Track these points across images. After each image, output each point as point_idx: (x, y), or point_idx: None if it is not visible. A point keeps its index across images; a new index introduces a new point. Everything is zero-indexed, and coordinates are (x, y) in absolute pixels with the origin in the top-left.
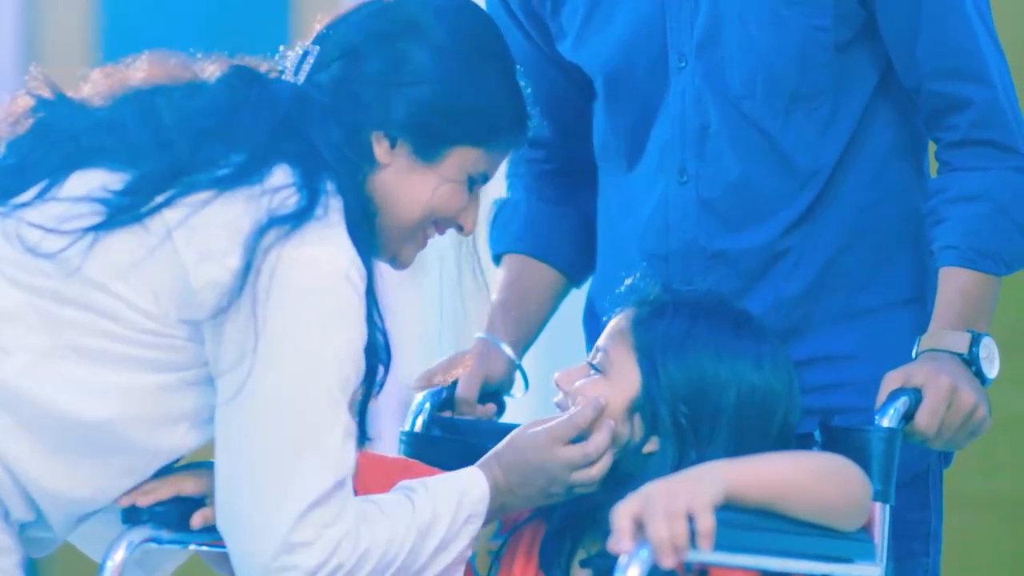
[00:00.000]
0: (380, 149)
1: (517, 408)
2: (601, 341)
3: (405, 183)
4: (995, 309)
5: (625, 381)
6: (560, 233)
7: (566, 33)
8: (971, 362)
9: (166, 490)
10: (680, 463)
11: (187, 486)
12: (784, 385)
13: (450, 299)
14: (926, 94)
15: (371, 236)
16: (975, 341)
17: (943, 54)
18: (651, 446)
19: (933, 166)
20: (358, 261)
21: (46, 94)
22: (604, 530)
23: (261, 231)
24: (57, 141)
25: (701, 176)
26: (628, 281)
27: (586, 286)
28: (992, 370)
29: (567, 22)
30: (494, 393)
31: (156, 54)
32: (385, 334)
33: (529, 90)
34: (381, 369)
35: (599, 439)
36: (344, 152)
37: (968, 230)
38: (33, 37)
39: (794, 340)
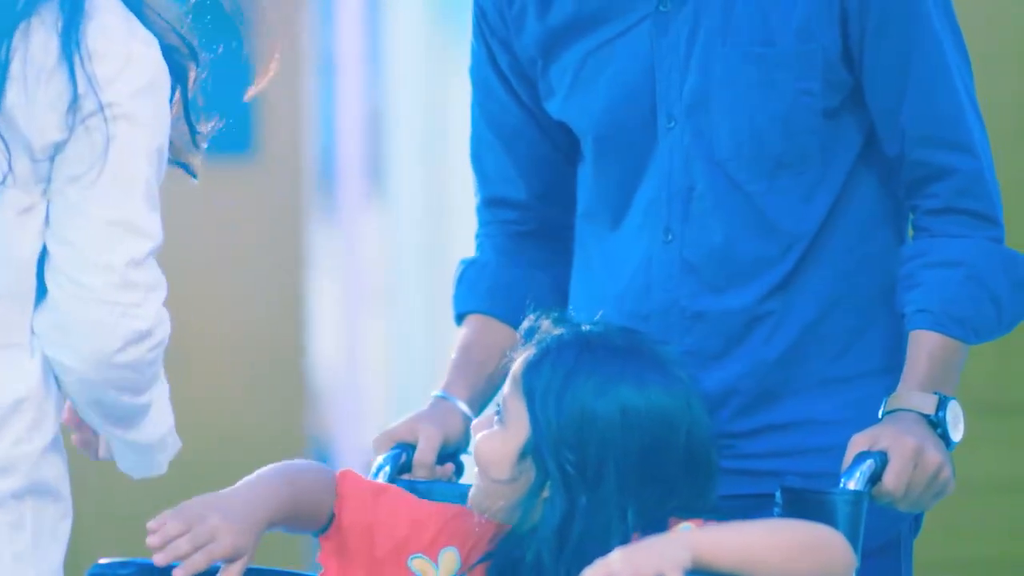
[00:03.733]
0: None
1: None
2: (504, 387)
3: None
4: (963, 374)
5: (517, 429)
6: (526, 296)
7: (555, 91)
8: (937, 424)
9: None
10: (571, 508)
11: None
12: (679, 400)
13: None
14: (909, 162)
15: None
16: (942, 404)
17: (929, 122)
18: (547, 492)
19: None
20: (139, 29)
21: None
22: None
23: (64, 57)
24: None
25: (685, 237)
26: (526, 324)
27: None
28: (957, 434)
29: (556, 80)
30: (452, 454)
31: None
32: (184, 40)
33: None
34: (192, 66)
35: None
36: None
37: (943, 296)
38: None
39: (771, 404)
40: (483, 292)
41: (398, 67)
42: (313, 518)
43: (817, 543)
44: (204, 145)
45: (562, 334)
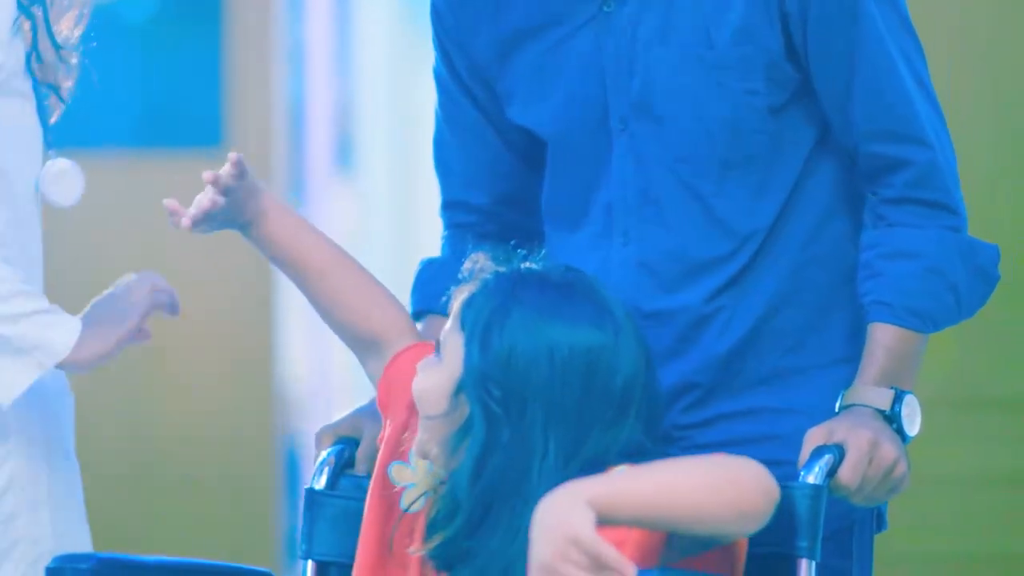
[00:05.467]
0: None
1: None
2: (446, 324)
3: None
4: (927, 367)
5: (453, 363)
6: None
7: (513, 97)
8: (892, 419)
9: None
10: (493, 442)
11: None
12: (608, 338)
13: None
14: (863, 155)
15: None
16: (898, 398)
17: (878, 117)
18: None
19: None
20: None
21: None
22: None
23: None
24: None
25: (641, 239)
26: (468, 264)
27: None
28: (913, 428)
29: (514, 85)
30: None
31: None
32: None
33: None
34: None
35: None
36: None
37: (901, 288)
38: None
39: (724, 397)
40: (437, 292)
41: (367, 59)
42: (348, 325)
43: (728, 477)
44: (74, 61)
45: (501, 271)
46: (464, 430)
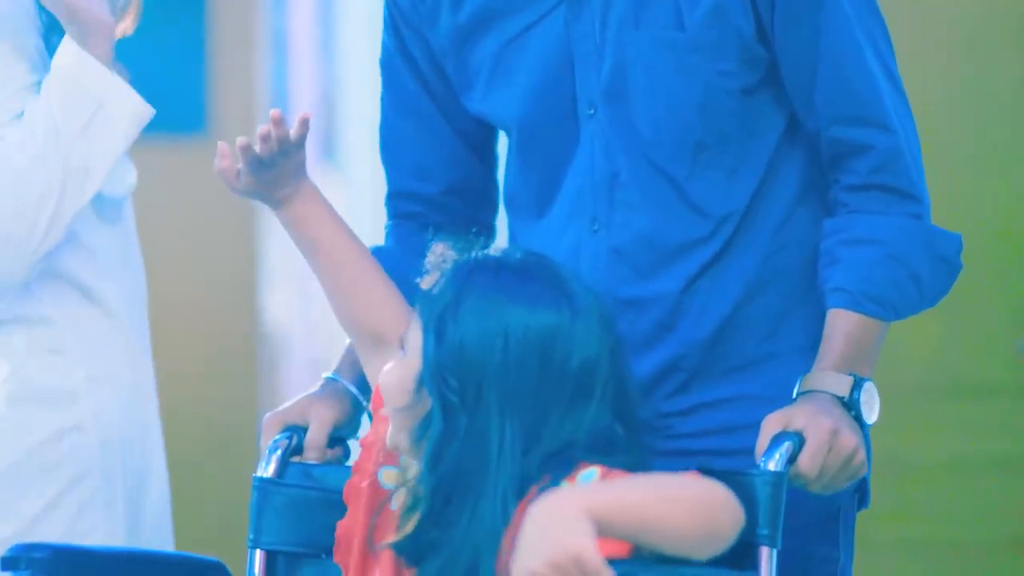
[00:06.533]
0: None
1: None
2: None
3: None
4: (908, 354)
5: (415, 356)
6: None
7: (473, 86)
8: (851, 406)
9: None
10: (451, 430)
11: None
12: (564, 319)
13: None
14: (826, 139)
15: None
16: (856, 385)
17: (841, 101)
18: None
19: None
20: None
21: None
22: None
23: None
24: None
25: (612, 224)
26: (431, 257)
27: None
28: (871, 415)
29: (474, 75)
30: (341, 437)
31: None
32: None
33: None
34: None
35: None
36: None
37: (861, 275)
38: None
39: (704, 383)
40: None
41: (350, 45)
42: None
43: (705, 500)
44: None
45: (459, 259)
46: (426, 422)
